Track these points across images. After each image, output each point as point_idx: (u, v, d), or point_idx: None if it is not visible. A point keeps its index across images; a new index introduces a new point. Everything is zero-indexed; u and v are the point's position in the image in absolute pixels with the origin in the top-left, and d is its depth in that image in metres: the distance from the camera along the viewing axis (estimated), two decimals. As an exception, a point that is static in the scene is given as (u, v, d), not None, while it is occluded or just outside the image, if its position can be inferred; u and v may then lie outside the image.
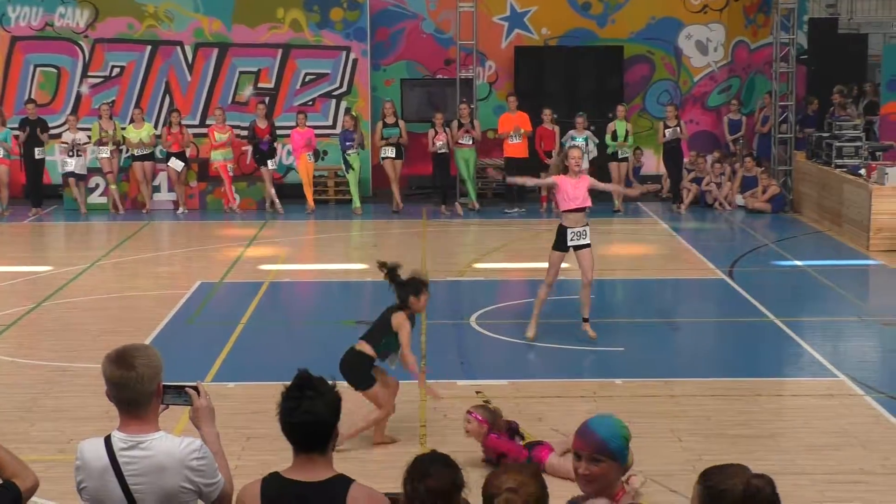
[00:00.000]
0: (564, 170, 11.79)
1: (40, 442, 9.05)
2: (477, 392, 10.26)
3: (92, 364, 11.07)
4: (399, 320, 8.89)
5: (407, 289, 8.97)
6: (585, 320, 12.03)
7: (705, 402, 10.16)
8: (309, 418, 4.13)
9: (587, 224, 11.87)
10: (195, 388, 4.47)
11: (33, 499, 4.52)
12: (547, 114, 20.97)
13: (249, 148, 21.60)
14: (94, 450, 4.30)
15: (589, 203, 11.87)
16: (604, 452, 4.12)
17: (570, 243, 11.77)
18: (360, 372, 8.86)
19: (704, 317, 13.76)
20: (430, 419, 9.67)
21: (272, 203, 20.98)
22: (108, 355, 4.35)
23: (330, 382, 4.28)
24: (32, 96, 21.80)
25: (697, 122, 23.22)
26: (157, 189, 21.38)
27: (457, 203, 20.96)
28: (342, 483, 4.17)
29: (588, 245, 11.85)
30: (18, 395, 10.31)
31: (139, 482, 4.24)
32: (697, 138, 22.86)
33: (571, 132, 20.81)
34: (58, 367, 11.19)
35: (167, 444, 4.28)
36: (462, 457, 8.52)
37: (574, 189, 11.69)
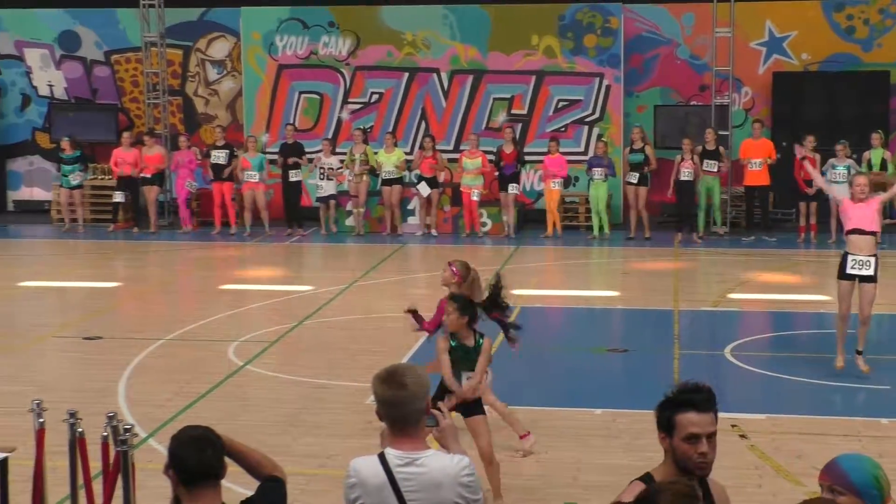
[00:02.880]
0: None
1: (303, 456, 9.33)
2: (732, 426, 9.99)
3: (350, 382, 11.43)
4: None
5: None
6: (859, 353, 11.54)
7: (982, 448, 9.57)
8: None
9: (875, 254, 11.24)
10: (439, 410, 4.59)
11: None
12: (809, 140, 20.27)
13: (497, 173, 21.85)
14: (370, 467, 4.39)
15: (876, 228, 11.31)
16: (845, 485, 4.01)
17: (849, 271, 11.20)
18: None
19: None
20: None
21: (508, 226, 21.23)
22: (378, 375, 4.43)
23: None
24: (296, 122, 22.75)
25: (972, 152, 22.00)
26: (410, 213, 21.87)
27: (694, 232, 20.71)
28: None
29: (871, 278, 11.22)
30: (282, 410, 10.70)
31: (416, 498, 4.33)
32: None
33: (832, 160, 20.09)
34: (318, 384, 11.56)
35: (440, 460, 4.38)
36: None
37: (858, 209, 11.17)
